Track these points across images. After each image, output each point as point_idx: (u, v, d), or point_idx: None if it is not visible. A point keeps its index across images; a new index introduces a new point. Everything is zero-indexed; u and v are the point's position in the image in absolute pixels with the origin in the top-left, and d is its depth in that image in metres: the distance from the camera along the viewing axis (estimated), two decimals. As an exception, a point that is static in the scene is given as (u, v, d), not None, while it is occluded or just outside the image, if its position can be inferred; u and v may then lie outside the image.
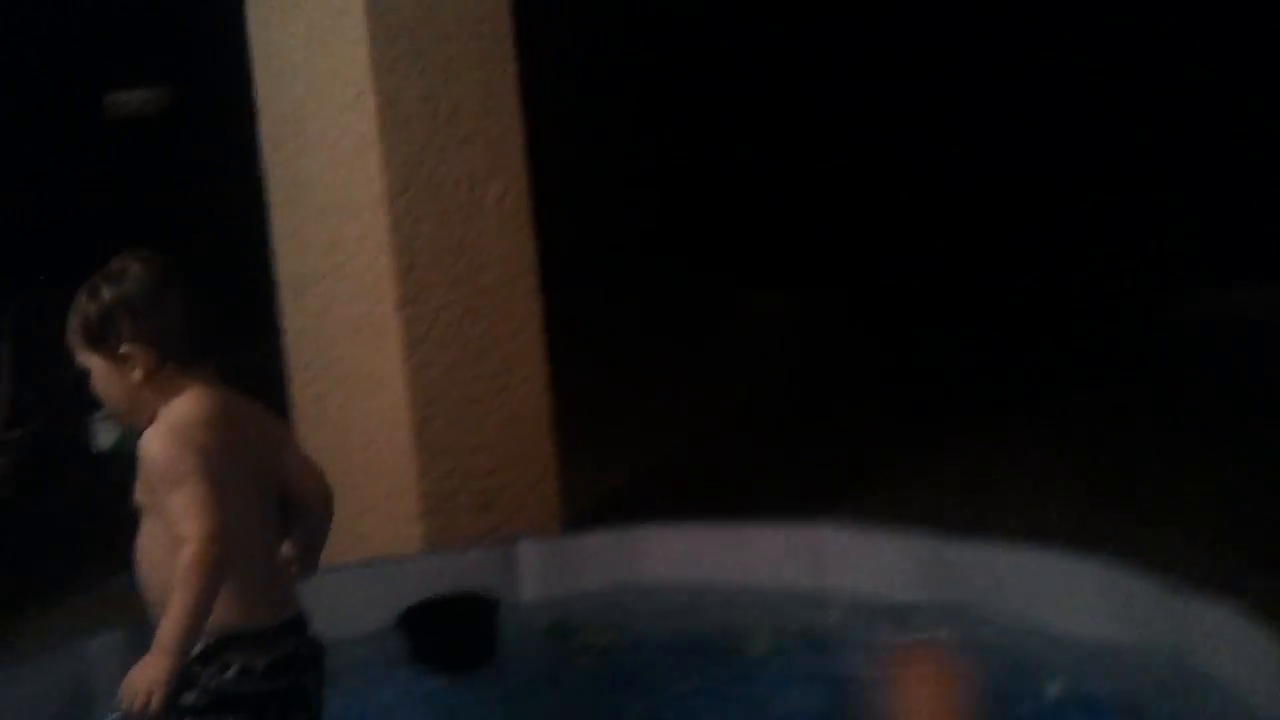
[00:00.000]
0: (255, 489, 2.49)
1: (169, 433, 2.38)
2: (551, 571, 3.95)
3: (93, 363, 2.47)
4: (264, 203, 4.18)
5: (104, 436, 4.46)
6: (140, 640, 2.42)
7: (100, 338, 2.43)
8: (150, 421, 2.43)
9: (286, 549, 2.62)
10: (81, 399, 4.99)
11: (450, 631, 3.59)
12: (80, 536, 5.02)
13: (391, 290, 3.89)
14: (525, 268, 4.13)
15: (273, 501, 2.56)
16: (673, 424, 6.51)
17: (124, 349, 2.42)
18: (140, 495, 2.47)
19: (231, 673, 2.43)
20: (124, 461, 4.48)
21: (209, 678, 2.43)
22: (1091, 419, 6.06)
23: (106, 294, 2.44)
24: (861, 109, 9.45)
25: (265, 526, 2.53)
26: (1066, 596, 3.51)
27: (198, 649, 2.40)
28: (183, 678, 2.39)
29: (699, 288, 9.33)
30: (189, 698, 2.42)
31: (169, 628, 2.30)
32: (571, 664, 3.53)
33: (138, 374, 2.42)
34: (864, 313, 8.72)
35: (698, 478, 5.54)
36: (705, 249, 9.60)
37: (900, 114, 9.37)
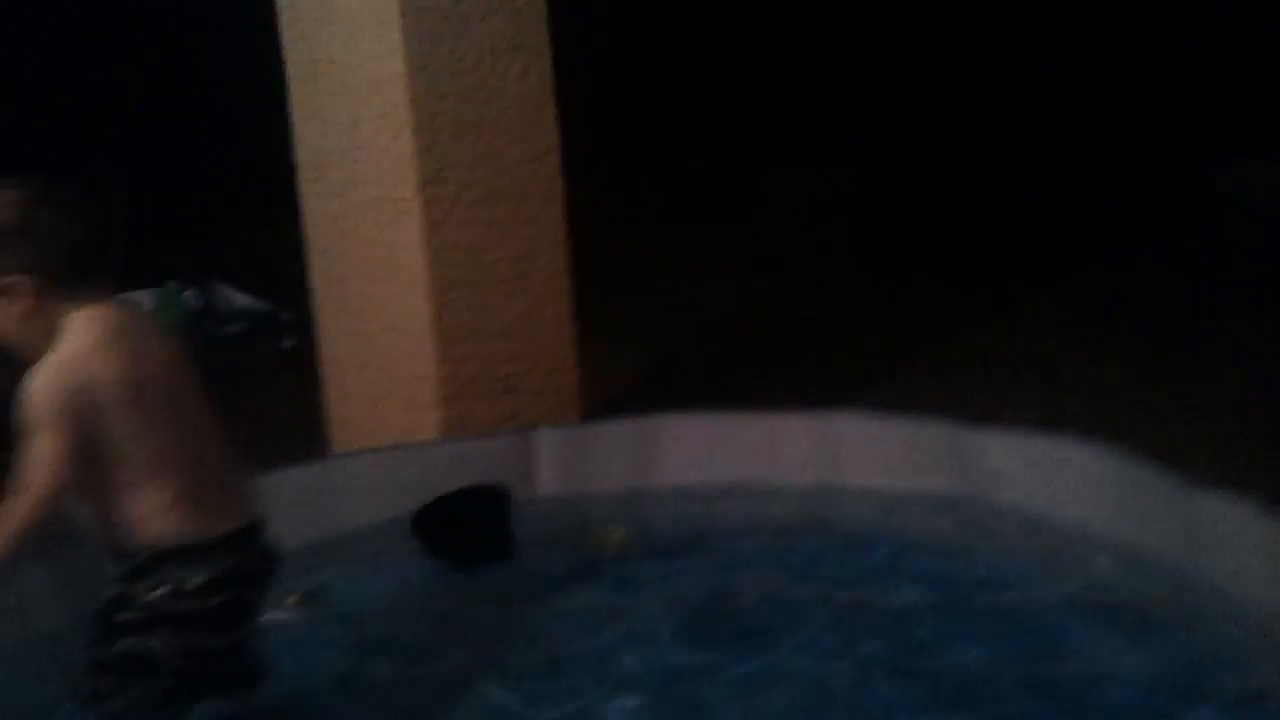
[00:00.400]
0: (165, 401, 2.40)
1: (50, 372, 2.31)
2: (570, 460, 3.91)
3: None
4: (283, 82, 4.08)
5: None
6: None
7: None
8: (46, 347, 2.34)
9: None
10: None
11: (463, 527, 3.54)
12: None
13: (412, 170, 3.80)
14: (548, 146, 4.02)
15: (194, 411, 2.48)
16: (694, 312, 6.46)
17: (3, 281, 2.33)
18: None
19: (162, 591, 2.38)
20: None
21: (141, 593, 2.39)
22: (1117, 305, 6.00)
23: None
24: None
25: (191, 437, 2.44)
26: (1080, 487, 3.45)
27: (131, 563, 2.38)
28: (118, 596, 2.39)
29: (726, 168, 9.22)
30: (122, 616, 2.40)
31: None
32: (589, 557, 3.48)
33: (22, 304, 2.33)
34: (889, 194, 8.63)
35: (718, 366, 5.49)
36: (734, 126, 9.47)
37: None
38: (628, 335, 5.91)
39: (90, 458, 2.31)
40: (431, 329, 3.93)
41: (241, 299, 4.38)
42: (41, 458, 2.26)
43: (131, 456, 2.34)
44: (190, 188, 6.80)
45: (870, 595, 3.16)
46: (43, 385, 2.30)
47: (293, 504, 3.59)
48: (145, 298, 4.35)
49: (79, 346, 2.33)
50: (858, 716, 2.68)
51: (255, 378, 4.62)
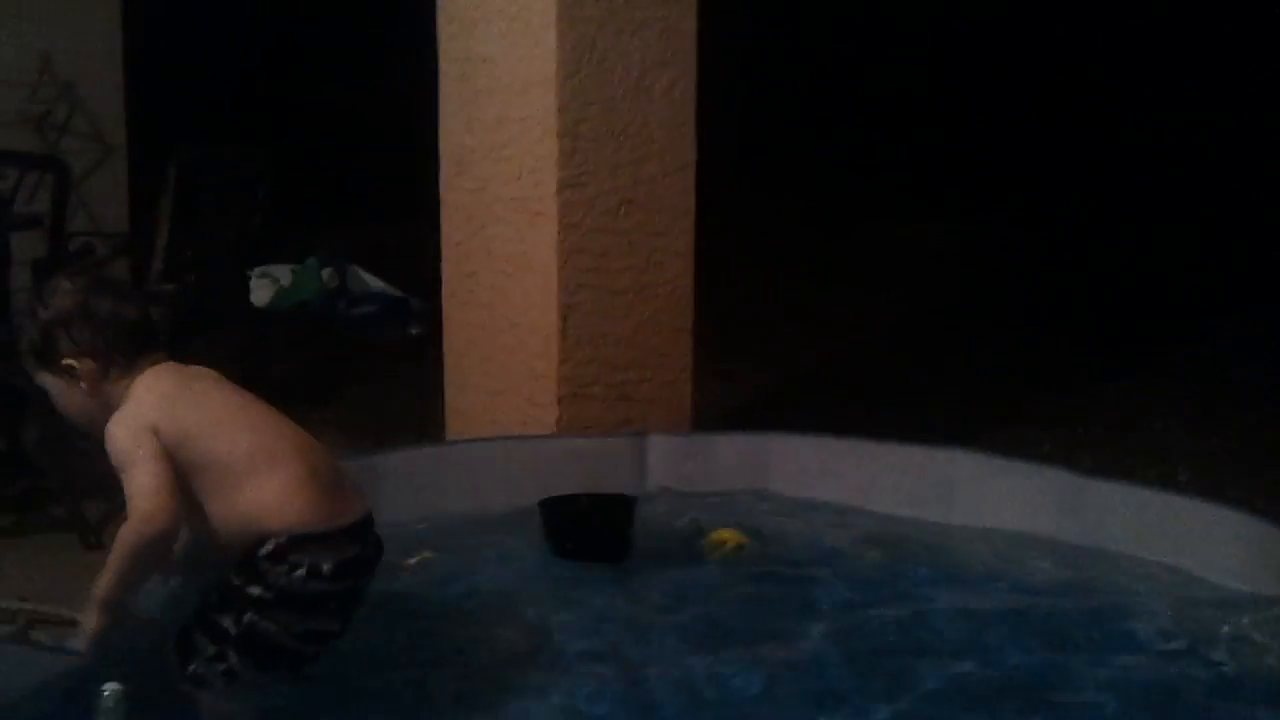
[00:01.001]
0: (246, 409, 2.60)
1: (121, 420, 2.50)
2: (680, 468, 3.97)
3: (47, 381, 2.59)
4: (434, 78, 4.21)
5: (260, 293, 4.57)
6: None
7: (46, 356, 2.56)
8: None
9: None
10: (238, 255, 5.17)
11: (588, 526, 3.61)
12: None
13: (553, 172, 3.89)
14: (685, 162, 4.10)
15: (278, 418, 2.63)
16: (814, 338, 6.49)
17: (67, 361, 2.53)
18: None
19: (300, 573, 2.50)
20: (278, 317, 4.64)
21: (277, 576, 2.50)
22: (1248, 375, 5.89)
23: (42, 315, 2.58)
24: (1020, 49, 9.23)
25: (287, 433, 2.60)
26: (1205, 545, 3.42)
27: (268, 548, 2.49)
28: (252, 572, 2.50)
29: (846, 213, 9.25)
30: (255, 590, 2.50)
31: (101, 588, 2.43)
32: (700, 563, 3.53)
33: (86, 382, 2.54)
34: (1018, 247, 8.58)
35: (832, 393, 5.51)
36: (855, 175, 9.50)
37: (1059, 49, 9.14)
38: (743, 354, 5.97)
39: (187, 475, 2.48)
40: (555, 330, 4.02)
41: (375, 283, 4.52)
42: (132, 490, 2.43)
43: (233, 459, 2.51)
44: (339, 177, 7.03)
45: (977, 631, 3.15)
46: (115, 428, 2.49)
47: (407, 482, 3.73)
48: (283, 272, 4.50)
49: (147, 395, 2.54)
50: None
51: (380, 361, 4.75)
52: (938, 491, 3.83)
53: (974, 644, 3.06)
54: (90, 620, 2.43)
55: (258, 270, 4.64)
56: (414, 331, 4.46)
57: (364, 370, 4.85)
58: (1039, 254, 8.33)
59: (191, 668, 2.52)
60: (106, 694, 2.40)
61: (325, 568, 2.50)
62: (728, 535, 3.60)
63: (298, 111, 7.70)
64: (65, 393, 2.57)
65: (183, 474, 2.48)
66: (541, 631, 3.10)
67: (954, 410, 5.27)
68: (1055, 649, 3.05)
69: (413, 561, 3.31)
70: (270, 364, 5.20)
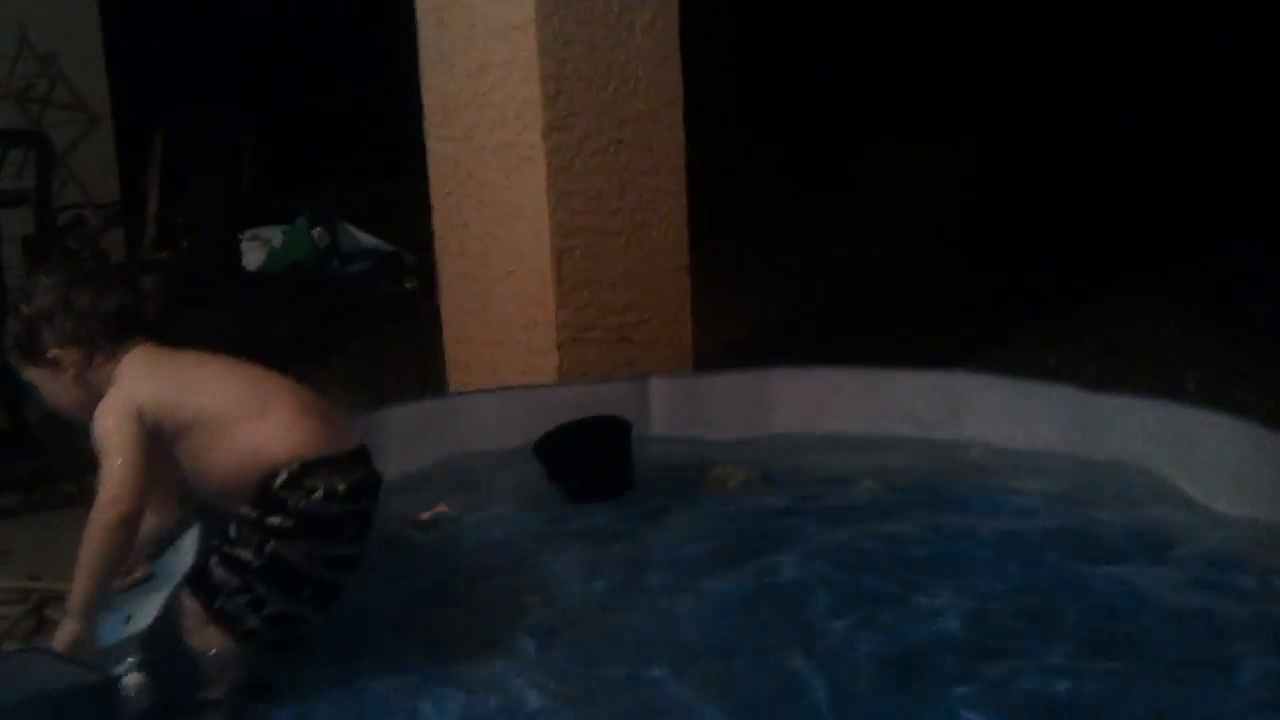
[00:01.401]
0: (234, 368, 2.68)
1: (106, 406, 2.55)
2: (684, 409, 3.96)
3: (33, 375, 2.65)
4: (412, 26, 4.16)
5: (252, 256, 4.54)
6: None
7: (31, 350, 2.62)
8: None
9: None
10: (229, 218, 5.14)
11: (587, 458, 3.61)
12: (228, 355, 5.17)
13: (538, 116, 3.85)
14: (672, 98, 4.05)
15: (266, 371, 2.72)
16: (803, 272, 6.45)
17: (51, 353, 2.60)
18: None
19: (318, 495, 2.55)
20: (272, 279, 4.61)
21: (295, 501, 2.53)
22: (1235, 282, 5.85)
23: (25, 310, 2.64)
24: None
25: (274, 379, 2.69)
26: (1209, 458, 3.39)
27: (282, 478, 2.52)
28: (270, 503, 2.53)
29: (837, 138, 9.18)
30: (275, 520, 2.53)
31: (75, 593, 2.48)
32: (709, 499, 3.53)
33: (71, 373, 2.60)
34: (1003, 168, 8.51)
35: (830, 326, 5.49)
36: (846, 99, 9.42)
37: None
38: (739, 289, 5.93)
39: (184, 437, 2.55)
40: (551, 275, 3.99)
41: (367, 239, 4.50)
42: (103, 475, 2.49)
43: (224, 408, 2.58)
44: (322, 134, 6.98)
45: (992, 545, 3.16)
46: (101, 415, 2.54)
47: (415, 435, 3.73)
48: (274, 234, 4.47)
49: (130, 376, 2.60)
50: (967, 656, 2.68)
51: (377, 317, 4.73)
52: (944, 414, 3.82)
53: (979, 564, 3.07)
54: (68, 629, 2.47)
55: (249, 233, 4.61)
56: (409, 286, 4.45)
57: (362, 327, 4.83)
58: (1034, 173, 8.27)
59: (217, 603, 2.55)
60: (126, 683, 2.47)
61: (341, 488, 2.56)
62: (733, 470, 3.60)
63: (279, 69, 7.63)
64: (52, 385, 2.63)
65: (179, 438, 2.56)
66: (549, 579, 3.11)
67: (956, 334, 5.24)
68: (1062, 568, 3.06)
69: (427, 515, 3.31)
70: (267, 326, 5.18)
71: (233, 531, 2.57)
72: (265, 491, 2.54)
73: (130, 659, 2.53)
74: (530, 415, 3.78)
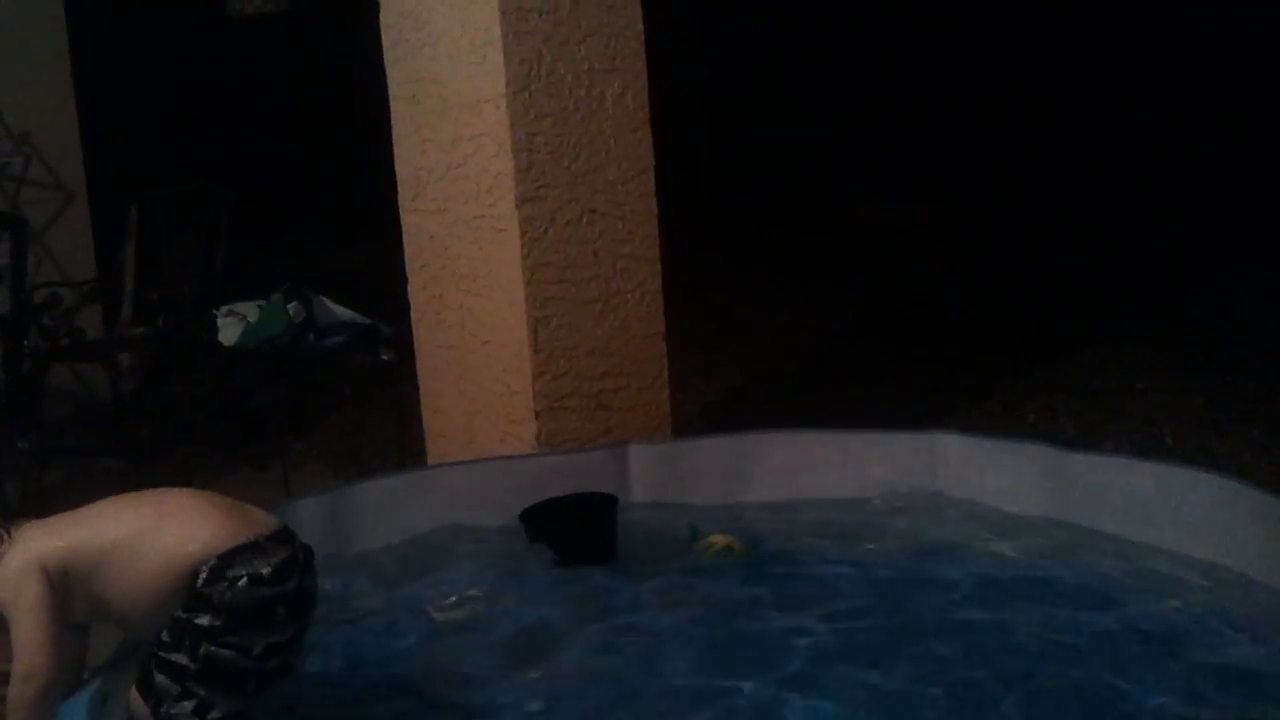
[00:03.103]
0: (127, 496, 2.72)
1: (7, 574, 2.55)
2: (663, 475, 3.95)
3: None
4: (385, 101, 4.19)
5: (227, 332, 4.54)
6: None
7: None
8: None
9: None
10: (204, 292, 5.15)
11: (573, 527, 3.62)
12: (204, 430, 5.17)
13: (510, 188, 3.87)
14: (643, 167, 4.07)
15: (163, 489, 2.78)
16: (780, 333, 6.48)
17: None
18: None
19: (243, 583, 2.53)
20: (247, 356, 4.61)
21: (221, 595, 2.52)
22: (1211, 335, 5.90)
23: None
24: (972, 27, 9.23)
25: (177, 492, 2.76)
26: (1184, 514, 3.40)
27: (203, 575, 2.52)
28: (196, 603, 2.52)
29: (811, 198, 9.25)
30: (204, 620, 2.52)
31: None
32: (693, 566, 3.53)
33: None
34: (977, 225, 8.57)
35: (809, 385, 5.51)
36: (817, 160, 9.51)
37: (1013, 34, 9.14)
38: (716, 353, 5.95)
39: (95, 571, 2.55)
40: (527, 345, 3.99)
41: (343, 312, 4.49)
42: (15, 644, 2.51)
43: (127, 529, 2.59)
44: (297, 206, 7.00)
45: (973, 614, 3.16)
46: (2, 583, 2.54)
47: (393, 506, 3.73)
48: (249, 309, 4.47)
49: (25, 540, 2.59)
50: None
51: (354, 389, 4.74)
52: (923, 476, 3.82)
53: (961, 629, 3.07)
54: None
55: (224, 309, 4.60)
56: (386, 358, 4.44)
57: (340, 399, 4.84)
58: (1006, 229, 8.34)
59: (163, 711, 2.53)
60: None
61: (265, 571, 2.55)
62: (716, 538, 3.59)
63: (253, 141, 7.68)
64: None
65: (94, 574, 2.56)
66: (537, 643, 3.12)
67: (934, 390, 5.27)
68: (1049, 631, 3.05)
69: (453, 599, 3.31)
70: (245, 400, 5.17)
71: (165, 635, 2.55)
72: (192, 593, 2.53)
73: None
74: (509, 485, 3.79)
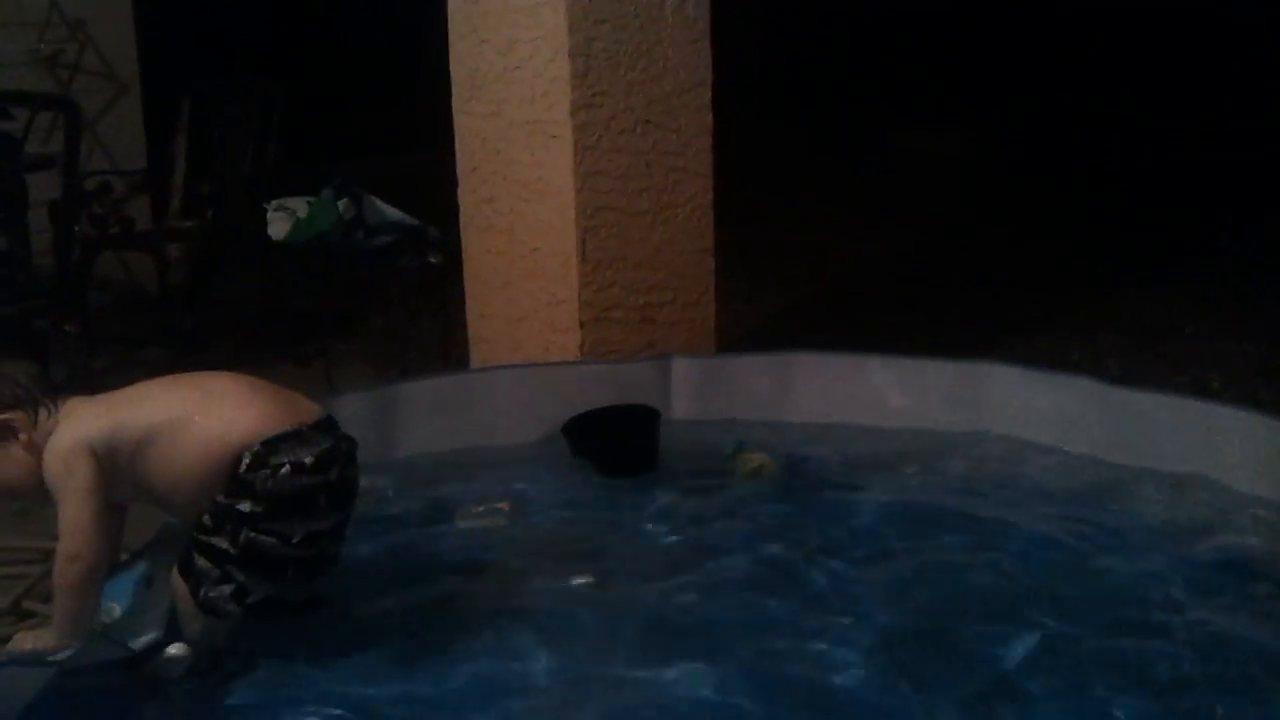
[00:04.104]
0: (174, 378, 2.72)
1: (52, 450, 2.56)
2: (706, 390, 3.95)
3: None
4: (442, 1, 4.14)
5: (276, 226, 4.54)
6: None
7: None
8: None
9: None
10: (254, 188, 5.15)
11: (615, 438, 3.63)
12: (250, 324, 5.19)
13: (565, 94, 3.83)
14: (701, 79, 4.03)
15: (208, 373, 2.77)
16: (834, 258, 6.43)
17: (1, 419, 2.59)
18: None
19: (285, 471, 2.54)
20: (296, 250, 4.61)
21: (263, 483, 2.53)
22: (1266, 283, 5.80)
23: None
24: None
25: (223, 375, 2.73)
26: (1231, 453, 3.36)
27: (246, 460, 2.53)
28: (238, 488, 2.54)
29: (860, 126, 9.15)
30: (245, 506, 2.54)
31: (53, 631, 2.53)
32: (729, 483, 3.53)
33: (24, 435, 2.58)
34: (1026, 158, 8.45)
35: (853, 312, 5.47)
36: (867, 88, 9.38)
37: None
38: (760, 277, 5.92)
39: (140, 453, 2.55)
40: (575, 254, 3.98)
41: (392, 212, 4.48)
42: (61, 524, 2.53)
43: (174, 412, 2.59)
44: (348, 109, 6.97)
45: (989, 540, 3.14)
46: (48, 459, 2.55)
47: (436, 410, 3.74)
48: (299, 205, 4.47)
49: (71, 416, 2.59)
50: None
51: (401, 291, 4.74)
52: (967, 405, 3.80)
53: (991, 555, 3.05)
54: (46, 641, 2.51)
55: (274, 203, 4.60)
56: (433, 260, 4.44)
57: (385, 301, 4.84)
58: (1056, 163, 8.22)
59: (202, 593, 2.57)
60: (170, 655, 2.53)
61: (307, 460, 2.56)
62: (752, 456, 3.60)
63: (307, 41, 7.63)
64: (5, 453, 2.60)
65: (137, 457, 2.56)
66: (570, 553, 3.13)
67: (979, 324, 5.22)
68: (1073, 561, 3.04)
69: (480, 509, 3.32)
70: (291, 297, 5.19)
71: (207, 519, 2.57)
72: (234, 478, 2.54)
73: (155, 633, 2.59)
74: (552, 392, 3.80)
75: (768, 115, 8.83)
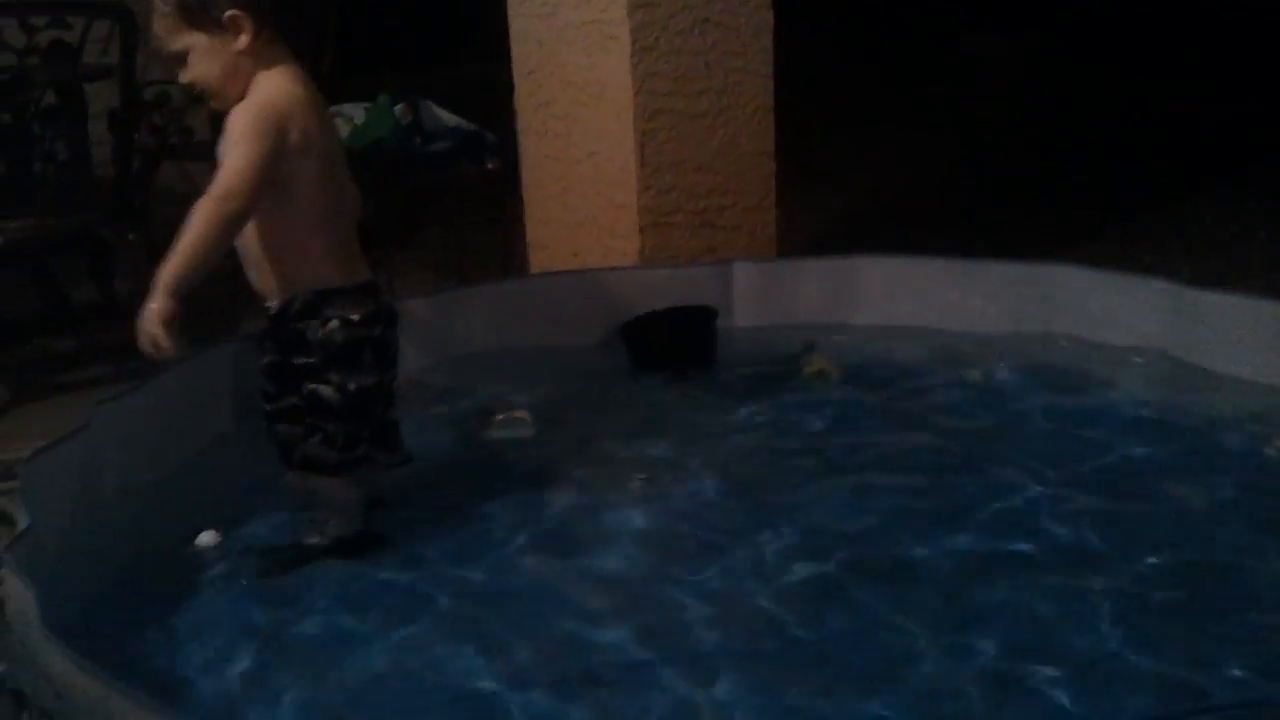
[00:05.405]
0: (330, 165, 2.60)
1: (252, 106, 2.49)
2: (767, 295, 3.90)
3: (191, 41, 2.51)
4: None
5: (333, 134, 4.55)
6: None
7: (201, 10, 2.49)
8: (241, 98, 2.52)
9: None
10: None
11: (673, 336, 3.63)
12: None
13: (623, -8, 3.77)
14: (761, -24, 3.94)
15: (344, 177, 2.68)
16: (896, 165, 6.31)
17: (228, 14, 2.47)
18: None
19: (334, 324, 2.59)
20: (353, 156, 4.60)
21: (314, 332, 2.59)
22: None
23: None
24: None
25: (341, 198, 2.65)
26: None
27: (296, 305, 2.58)
28: (289, 339, 2.59)
29: (916, 33, 8.95)
30: (300, 359, 2.60)
31: (168, 271, 2.38)
32: (786, 386, 3.51)
33: (242, 40, 2.48)
34: (1096, 61, 8.23)
35: (914, 220, 5.38)
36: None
37: None
38: (821, 184, 5.83)
39: (274, 183, 2.48)
40: (633, 158, 3.93)
41: (450, 117, 4.44)
42: (232, 164, 2.45)
43: (301, 204, 2.56)
44: (401, 15, 6.89)
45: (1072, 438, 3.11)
46: (244, 110, 2.49)
47: (496, 315, 3.74)
48: (356, 111, 4.43)
49: (279, 88, 2.51)
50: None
51: (458, 197, 4.72)
52: (1035, 307, 3.73)
53: (1058, 458, 3.01)
54: (157, 305, 2.38)
55: (331, 110, 4.57)
56: (491, 166, 4.40)
57: (444, 207, 4.82)
58: (1119, 68, 7.99)
59: (296, 455, 2.65)
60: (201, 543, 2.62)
61: (354, 317, 2.60)
62: (814, 358, 3.57)
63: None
64: (210, 53, 2.50)
65: (290, 156, 2.50)
66: (627, 452, 3.14)
67: (1046, 230, 5.12)
68: (1146, 464, 2.99)
69: (501, 419, 3.31)
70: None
71: (271, 387, 2.65)
72: (283, 325, 2.59)
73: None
74: (611, 298, 3.78)
75: (828, 22, 8.65)
